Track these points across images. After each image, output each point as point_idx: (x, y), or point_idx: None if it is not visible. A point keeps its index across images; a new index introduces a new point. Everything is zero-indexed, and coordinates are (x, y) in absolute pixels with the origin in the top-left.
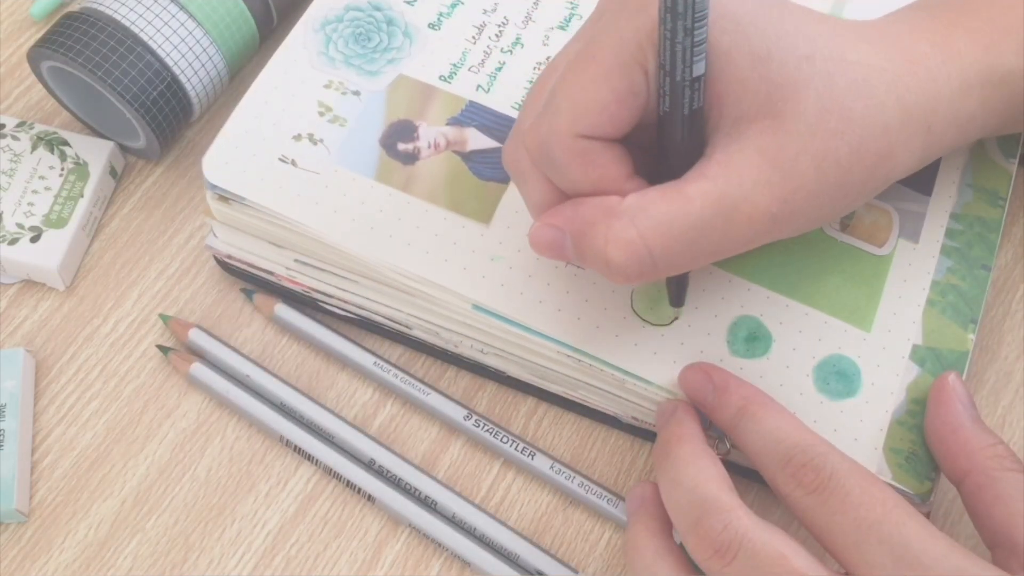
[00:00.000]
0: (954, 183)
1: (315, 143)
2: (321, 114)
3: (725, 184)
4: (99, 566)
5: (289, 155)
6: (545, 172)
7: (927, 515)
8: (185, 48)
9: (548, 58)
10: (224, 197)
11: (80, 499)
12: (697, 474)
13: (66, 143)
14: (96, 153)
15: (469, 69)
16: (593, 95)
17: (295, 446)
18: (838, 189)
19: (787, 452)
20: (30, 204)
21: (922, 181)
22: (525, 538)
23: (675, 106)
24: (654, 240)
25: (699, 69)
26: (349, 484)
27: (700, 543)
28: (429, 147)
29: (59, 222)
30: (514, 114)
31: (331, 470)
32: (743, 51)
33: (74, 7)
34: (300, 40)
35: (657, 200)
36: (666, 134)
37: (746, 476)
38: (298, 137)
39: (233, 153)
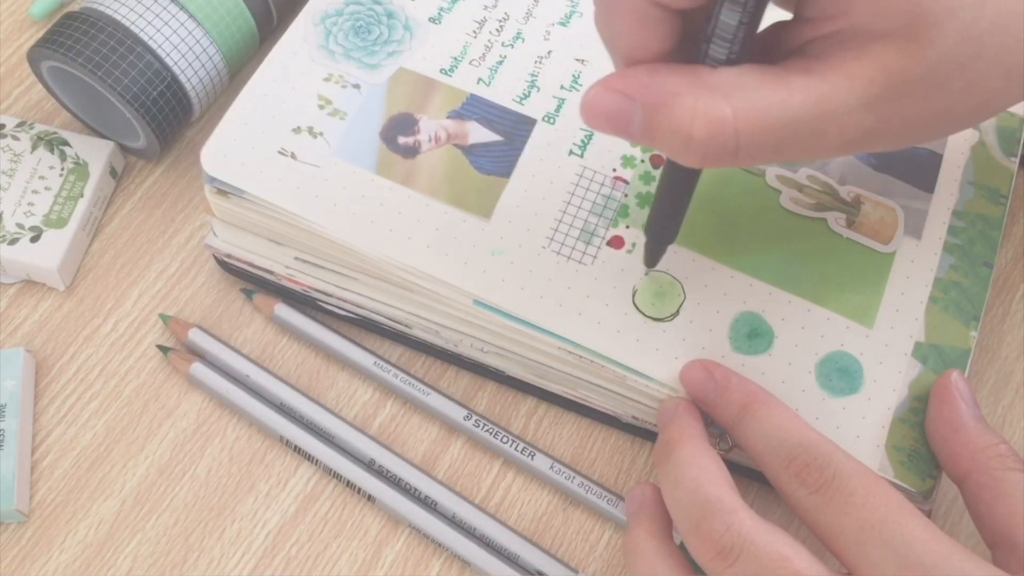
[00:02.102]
0: (956, 180)
1: (315, 136)
2: (321, 107)
3: (832, 87)
4: (99, 566)
5: (289, 148)
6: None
7: (928, 513)
8: (185, 48)
9: (550, 52)
10: (223, 191)
11: (80, 499)
12: (699, 474)
13: (66, 143)
14: (96, 153)
15: (470, 63)
16: None
17: (295, 446)
18: (939, 117)
19: (790, 451)
20: (30, 204)
21: (924, 178)
22: (525, 538)
23: None
24: (746, 124)
25: None
26: (349, 484)
27: (702, 544)
28: (430, 140)
29: (59, 222)
30: (515, 108)
31: (331, 470)
32: None
33: (74, 7)
34: (300, 33)
35: (757, 82)
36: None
37: (746, 475)
38: (298, 130)
39: (232, 146)
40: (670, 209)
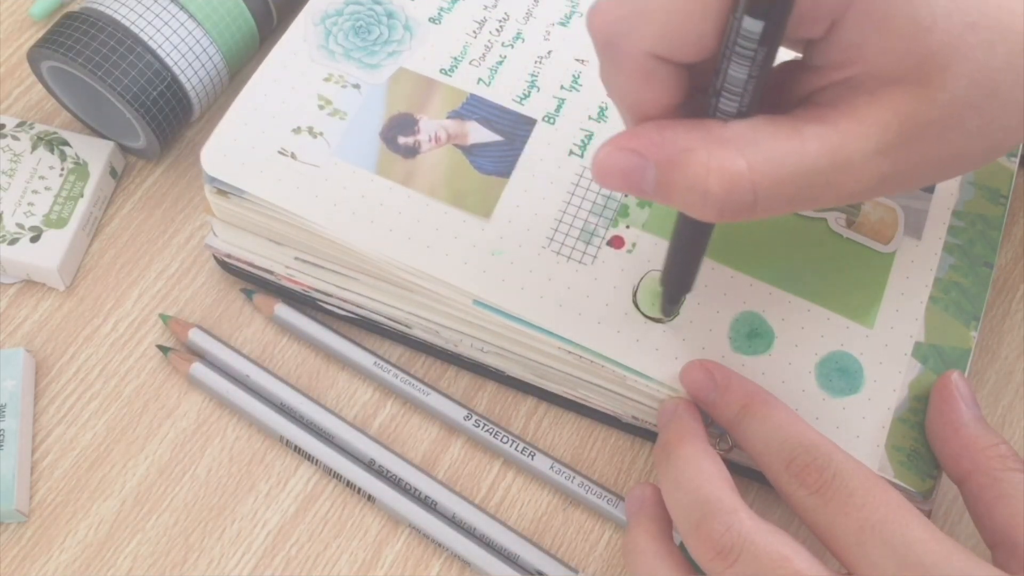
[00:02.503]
0: (955, 180)
1: (315, 136)
2: (321, 107)
3: (846, 135)
4: (99, 566)
5: (289, 148)
6: (604, 69)
7: (928, 513)
8: (185, 48)
9: (550, 52)
10: (223, 191)
11: (80, 499)
12: (699, 475)
13: (66, 143)
14: (96, 153)
15: (470, 63)
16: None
17: (295, 446)
18: (954, 158)
19: (790, 452)
20: (30, 204)
21: None
22: (525, 538)
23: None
24: (762, 177)
25: None
26: (349, 484)
27: (702, 545)
28: (430, 140)
29: (59, 222)
30: (515, 108)
31: (331, 470)
32: (904, 19)
33: (74, 7)
34: (300, 33)
35: (770, 134)
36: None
37: (746, 475)
38: (298, 130)
39: (232, 146)
40: (686, 262)
